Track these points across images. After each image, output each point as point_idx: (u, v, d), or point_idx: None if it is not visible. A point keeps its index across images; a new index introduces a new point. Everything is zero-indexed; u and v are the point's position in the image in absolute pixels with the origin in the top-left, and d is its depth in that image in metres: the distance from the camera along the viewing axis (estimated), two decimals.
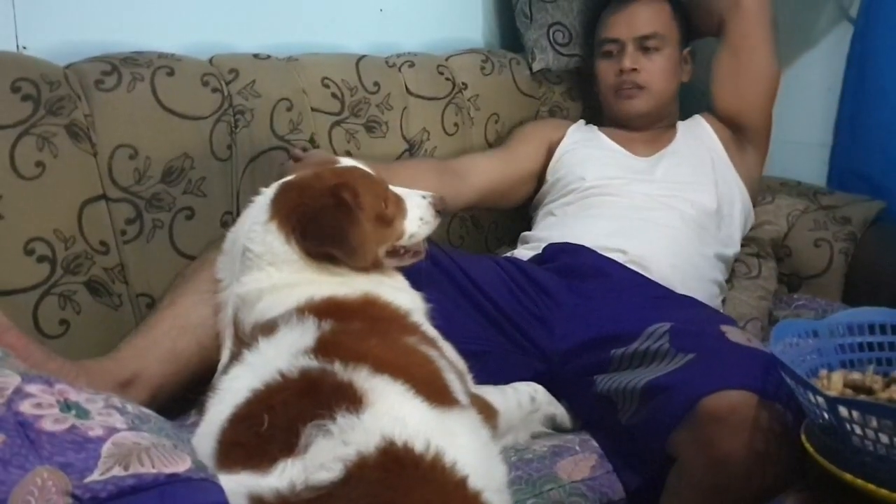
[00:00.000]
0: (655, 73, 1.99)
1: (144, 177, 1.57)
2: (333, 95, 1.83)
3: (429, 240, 1.54)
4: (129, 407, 0.96)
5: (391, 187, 1.38)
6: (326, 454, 0.91)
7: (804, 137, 2.20)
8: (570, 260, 1.70)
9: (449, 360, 1.28)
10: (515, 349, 1.59)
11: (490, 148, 2.10)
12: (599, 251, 1.71)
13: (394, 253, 1.38)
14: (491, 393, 1.41)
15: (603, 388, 1.41)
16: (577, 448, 1.40)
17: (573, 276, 1.66)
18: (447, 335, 1.37)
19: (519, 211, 2.11)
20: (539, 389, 1.48)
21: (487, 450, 1.14)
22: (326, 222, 1.25)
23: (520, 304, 1.61)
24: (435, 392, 1.11)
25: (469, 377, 1.37)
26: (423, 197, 1.40)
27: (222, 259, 1.37)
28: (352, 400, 0.99)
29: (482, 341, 1.58)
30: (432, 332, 1.32)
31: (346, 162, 1.41)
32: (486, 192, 1.93)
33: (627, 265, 1.68)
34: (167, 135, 1.60)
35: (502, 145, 2.07)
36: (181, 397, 1.41)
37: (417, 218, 1.38)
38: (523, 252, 1.84)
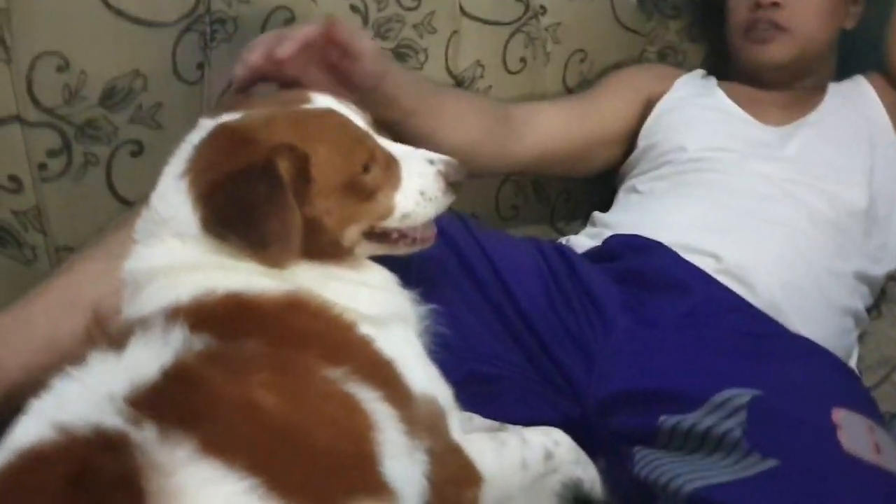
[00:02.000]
0: (805, 11, 1.47)
1: (77, 97, 1.20)
2: (353, 8, 1.39)
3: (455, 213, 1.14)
4: None
5: (387, 143, 0.95)
6: None
7: None
8: (637, 261, 1.23)
9: (402, 399, 0.85)
10: (541, 380, 1.15)
11: (567, 95, 1.61)
12: (682, 252, 1.22)
13: (381, 237, 0.96)
14: (481, 444, 0.97)
15: (642, 471, 0.96)
16: None
17: (637, 284, 1.19)
18: (448, 348, 0.99)
19: (602, 178, 1.62)
20: (562, 441, 1.02)
21: None
22: (238, 194, 0.84)
23: (557, 320, 1.17)
24: (329, 473, 0.70)
25: (453, 417, 0.96)
26: (431, 162, 0.96)
27: (145, 215, 0.98)
28: None
29: (497, 362, 1.15)
30: (388, 352, 0.89)
31: (321, 102, 0.96)
32: (546, 154, 1.46)
33: (717, 276, 1.19)
34: (112, 44, 1.21)
35: (584, 94, 1.58)
36: None
37: (416, 191, 0.94)
38: (582, 240, 1.37)
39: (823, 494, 0.77)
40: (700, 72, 1.62)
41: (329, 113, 0.94)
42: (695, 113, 1.48)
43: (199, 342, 0.76)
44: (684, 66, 1.68)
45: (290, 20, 1.33)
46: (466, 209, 1.52)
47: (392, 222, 0.94)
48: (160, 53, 1.25)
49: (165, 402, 0.69)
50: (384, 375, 0.85)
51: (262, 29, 1.31)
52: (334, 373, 0.79)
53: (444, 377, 1.01)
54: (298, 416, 0.73)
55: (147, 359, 0.74)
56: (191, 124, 1.25)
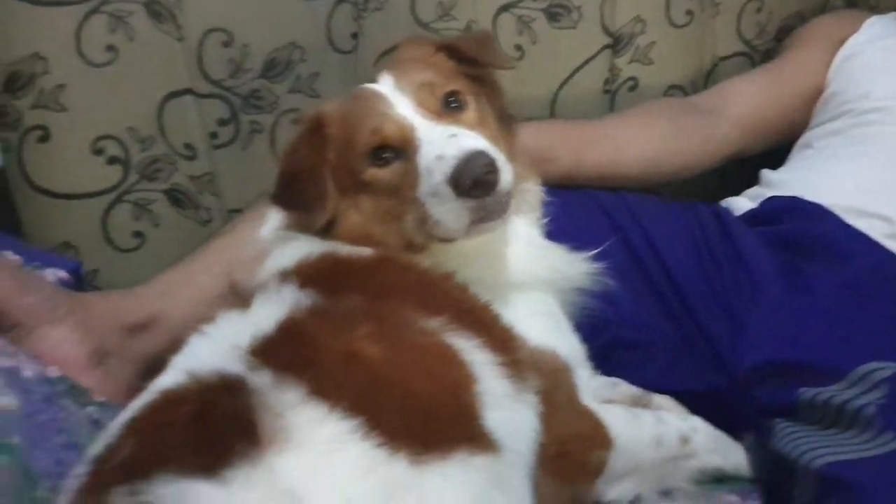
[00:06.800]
0: None
1: (241, 69, 1.30)
2: None
3: None
4: None
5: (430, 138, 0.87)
6: None
7: None
8: (795, 226, 1.15)
9: (504, 342, 0.84)
10: (688, 349, 1.11)
11: (748, 49, 1.52)
12: (847, 215, 1.13)
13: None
14: (614, 412, 0.95)
15: (778, 444, 0.91)
16: None
17: (793, 251, 1.11)
18: (595, 312, 1.00)
19: None
20: (700, 429, 0.98)
21: None
22: (285, 169, 0.93)
23: (707, 286, 1.12)
24: (427, 423, 0.73)
25: (583, 374, 0.96)
26: (440, 158, 0.83)
27: None
28: (229, 449, 0.64)
29: (644, 329, 1.13)
30: (479, 300, 0.88)
31: (381, 81, 0.93)
32: (754, 128, 1.38)
33: (887, 241, 1.09)
34: (272, 17, 1.29)
35: (771, 62, 1.47)
36: None
37: (429, 193, 0.85)
38: (743, 202, 1.30)
39: None
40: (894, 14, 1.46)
41: (361, 94, 0.93)
42: (882, 57, 1.33)
43: (307, 298, 0.81)
44: (879, 9, 1.52)
45: None
46: None
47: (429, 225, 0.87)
48: (316, 25, 1.31)
49: (279, 352, 0.74)
50: (482, 320, 0.85)
51: None
52: (431, 323, 0.81)
53: (577, 336, 1.01)
54: (398, 367, 0.76)
55: (265, 315, 0.80)
56: (346, 92, 1.33)
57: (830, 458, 0.81)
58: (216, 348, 0.78)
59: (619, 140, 1.30)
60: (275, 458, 0.64)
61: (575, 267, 1.01)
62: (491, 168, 0.82)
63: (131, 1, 1.23)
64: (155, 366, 1.08)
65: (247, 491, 0.62)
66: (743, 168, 1.56)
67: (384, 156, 0.88)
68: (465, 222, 0.84)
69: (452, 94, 0.92)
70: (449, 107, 0.91)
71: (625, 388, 1.09)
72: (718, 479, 1.01)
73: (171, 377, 0.78)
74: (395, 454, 0.68)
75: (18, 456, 0.70)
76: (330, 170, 0.91)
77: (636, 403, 1.07)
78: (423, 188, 0.85)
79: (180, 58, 1.27)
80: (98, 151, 1.25)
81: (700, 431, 0.98)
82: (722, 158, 1.40)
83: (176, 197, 1.31)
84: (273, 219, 0.97)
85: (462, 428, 0.75)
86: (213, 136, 1.31)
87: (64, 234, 1.27)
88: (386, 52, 1.34)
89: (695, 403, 1.04)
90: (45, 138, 1.23)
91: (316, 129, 0.92)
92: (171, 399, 0.73)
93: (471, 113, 0.93)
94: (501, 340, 0.85)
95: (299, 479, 0.64)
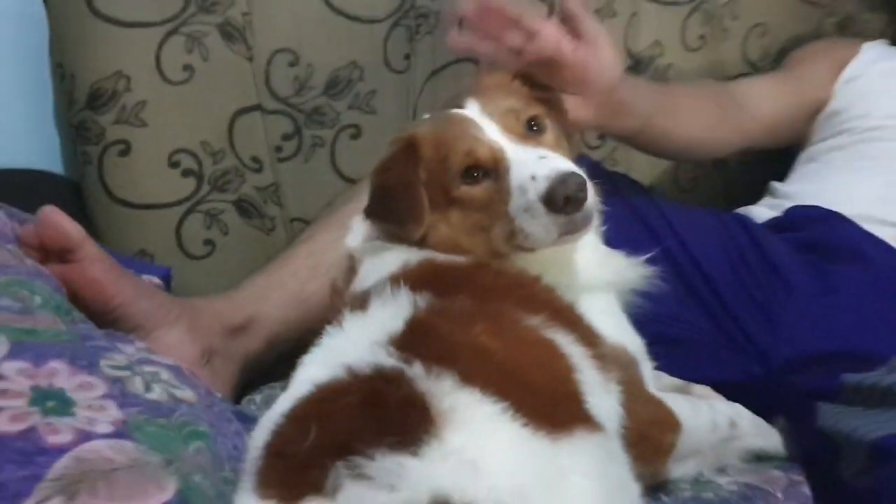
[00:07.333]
0: None
1: (305, 87, 1.38)
2: None
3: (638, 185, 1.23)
4: (160, 387, 0.79)
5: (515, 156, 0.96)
6: None
7: None
8: (818, 232, 1.28)
9: (590, 338, 0.95)
10: (726, 343, 1.23)
11: (752, 70, 1.67)
12: (861, 222, 1.27)
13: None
14: (676, 399, 1.08)
15: (826, 424, 1.04)
16: (780, 496, 1.04)
17: (818, 254, 1.25)
18: (641, 313, 1.09)
19: (779, 151, 1.66)
20: (744, 415, 1.10)
21: (622, 495, 0.84)
22: (377, 183, 1.01)
23: (741, 285, 1.24)
24: (550, 406, 0.82)
25: (647, 367, 1.07)
26: (533, 178, 0.92)
27: None
28: (414, 428, 0.73)
29: (684, 325, 1.24)
30: (566, 301, 0.98)
31: (467, 107, 1.02)
32: (773, 125, 1.50)
33: None
34: (334, 39, 1.38)
35: (780, 70, 1.61)
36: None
37: (521, 209, 0.94)
38: (761, 210, 1.43)
39: None
40: (882, 42, 1.62)
41: (451, 119, 1.01)
42: (882, 82, 1.48)
43: (422, 300, 0.89)
44: (864, 37, 1.68)
45: None
46: (645, 181, 1.61)
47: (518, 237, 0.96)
48: (373, 46, 1.41)
49: (419, 346, 0.82)
50: (571, 319, 0.95)
51: (461, 20, 1.45)
52: (532, 321, 0.90)
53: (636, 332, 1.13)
54: (518, 358, 0.84)
55: (390, 315, 0.88)
56: (399, 109, 1.44)
57: (883, 432, 0.94)
58: (355, 345, 0.85)
59: (681, 114, 1.35)
60: (452, 434, 0.74)
61: (632, 270, 1.13)
62: (582, 187, 0.92)
63: (206, 23, 1.31)
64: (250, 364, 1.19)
65: (440, 463, 0.72)
66: (746, 178, 1.72)
67: (474, 175, 0.97)
68: (553, 235, 0.94)
69: (533, 118, 1.02)
70: (531, 130, 1.01)
71: (667, 380, 1.21)
72: (759, 459, 1.15)
73: (316, 372, 0.85)
74: (536, 432, 0.78)
75: (209, 441, 0.78)
76: (422, 186, 1.01)
77: (678, 393, 1.20)
78: (515, 204, 0.94)
79: (250, 76, 1.35)
80: (174, 164, 1.33)
81: (744, 416, 1.10)
82: (737, 151, 1.50)
83: (243, 207, 1.38)
84: (358, 229, 1.05)
85: (575, 411, 0.85)
86: (278, 149, 1.39)
87: (140, 242, 1.33)
88: (436, 72, 1.45)
89: (730, 392, 1.17)
90: (125, 152, 1.30)
91: (410, 150, 0.99)
92: (334, 389, 0.81)
93: (549, 135, 1.03)
94: (588, 337, 0.95)
95: (475, 452, 0.74)
